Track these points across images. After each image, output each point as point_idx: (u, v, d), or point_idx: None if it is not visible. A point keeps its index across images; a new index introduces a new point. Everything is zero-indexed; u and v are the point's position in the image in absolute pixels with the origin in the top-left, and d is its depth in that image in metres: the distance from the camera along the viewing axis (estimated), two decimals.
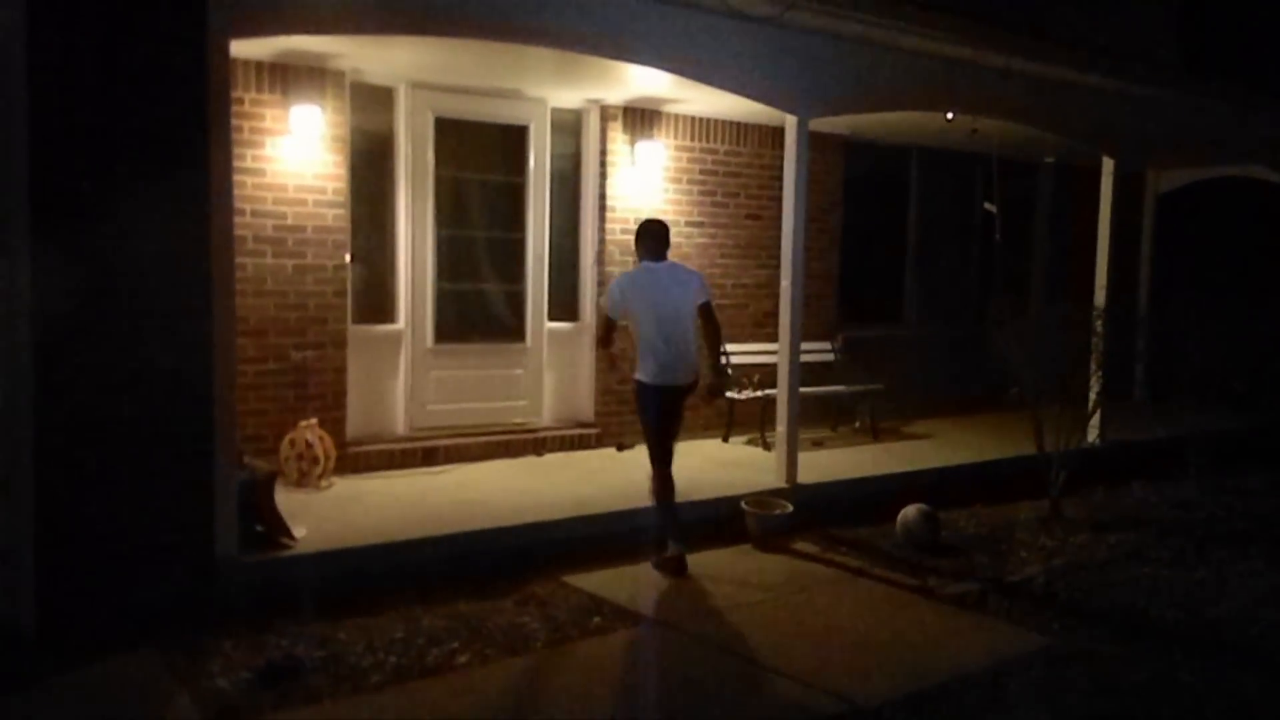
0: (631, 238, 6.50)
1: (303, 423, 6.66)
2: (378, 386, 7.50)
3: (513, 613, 5.13)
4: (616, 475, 7.07)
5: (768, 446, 8.04)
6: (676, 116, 8.53)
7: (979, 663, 4.70)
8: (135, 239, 4.74)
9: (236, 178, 5.54)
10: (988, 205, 10.21)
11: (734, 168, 8.95)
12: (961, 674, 4.56)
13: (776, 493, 6.82)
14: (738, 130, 8.90)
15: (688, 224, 8.67)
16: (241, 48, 5.54)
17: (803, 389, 7.32)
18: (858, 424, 9.18)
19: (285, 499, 5.66)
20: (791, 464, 7.13)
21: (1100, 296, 8.87)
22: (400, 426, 7.62)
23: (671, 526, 5.91)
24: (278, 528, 5.36)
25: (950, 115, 8.26)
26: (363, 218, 7.36)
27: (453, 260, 7.80)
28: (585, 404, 8.30)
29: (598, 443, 8.11)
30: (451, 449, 7.54)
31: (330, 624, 4.84)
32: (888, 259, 10.53)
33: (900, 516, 6.56)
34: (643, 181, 8.38)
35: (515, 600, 5.29)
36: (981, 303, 10.79)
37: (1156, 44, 11.02)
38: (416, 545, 5.58)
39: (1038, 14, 9.21)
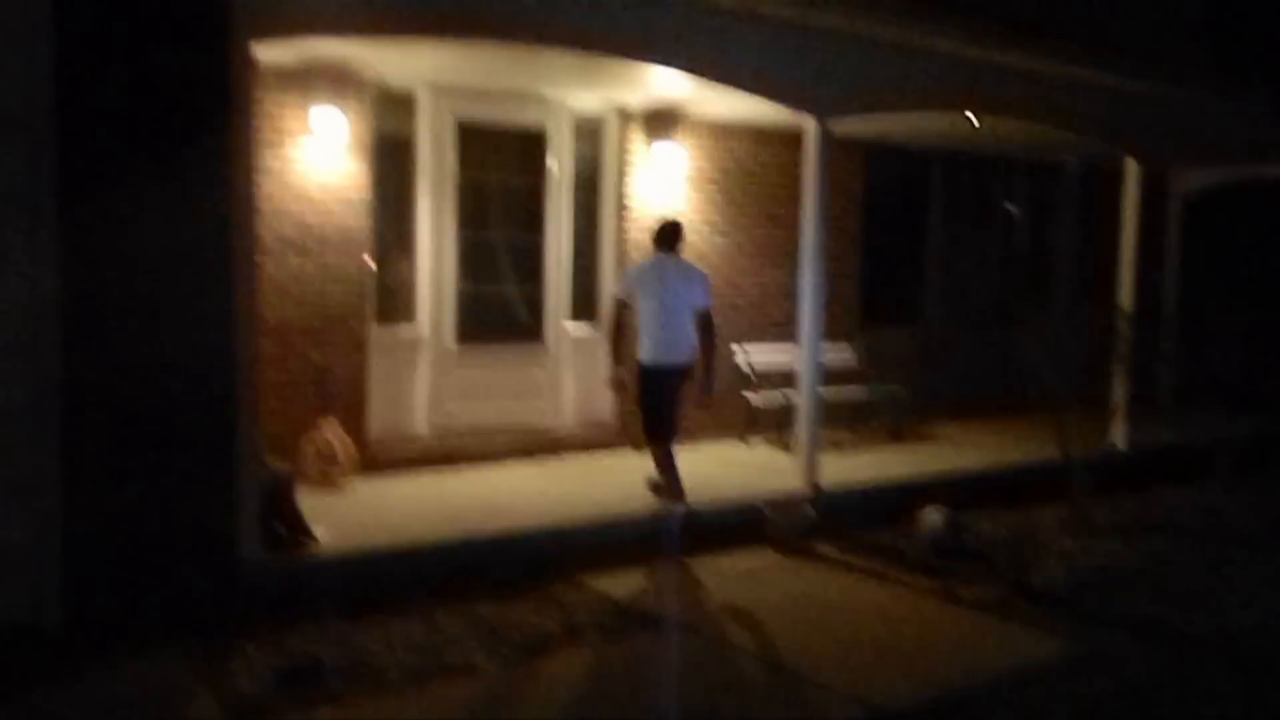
0: (651, 240, 6.63)
1: (323, 423, 6.69)
2: (398, 387, 7.53)
3: (532, 614, 5.13)
4: (635, 477, 7.05)
5: (788, 449, 8.01)
6: (696, 119, 8.52)
7: (1002, 668, 4.66)
8: (158, 240, 4.78)
9: (258, 180, 5.57)
10: (1010, 207, 10.14)
11: (753, 170, 8.93)
12: (985, 680, 4.52)
13: (797, 495, 6.80)
14: (757, 133, 8.88)
15: (707, 226, 8.66)
16: (265, 52, 5.57)
17: (823, 391, 7.29)
18: (878, 426, 9.14)
19: (306, 500, 5.69)
20: (812, 466, 7.10)
21: (1124, 299, 8.80)
22: (420, 427, 7.64)
23: (673, 484, 6.34)
24: (298, 528, 5.38)
25: (972, 116, 8.20)
26: (384, 220, 7.39)
27: (473, 262, 7.82)
28: (604, 405, 8.30)
29: (617, 444, 8.11)
30: (471, 450, 7.56)
31: (350, 624, 4.86)
32: (908, 260, 10.47)
33: (921, 519, 6.51)
34: (662, 184, 8.38)
35: (534, 602, 5.29)
36: (1003, 305, 10.73)
37: (1183, 44, 10.93)
38: (436, 546, 5.59)
39: (1062, 15, 9.15)
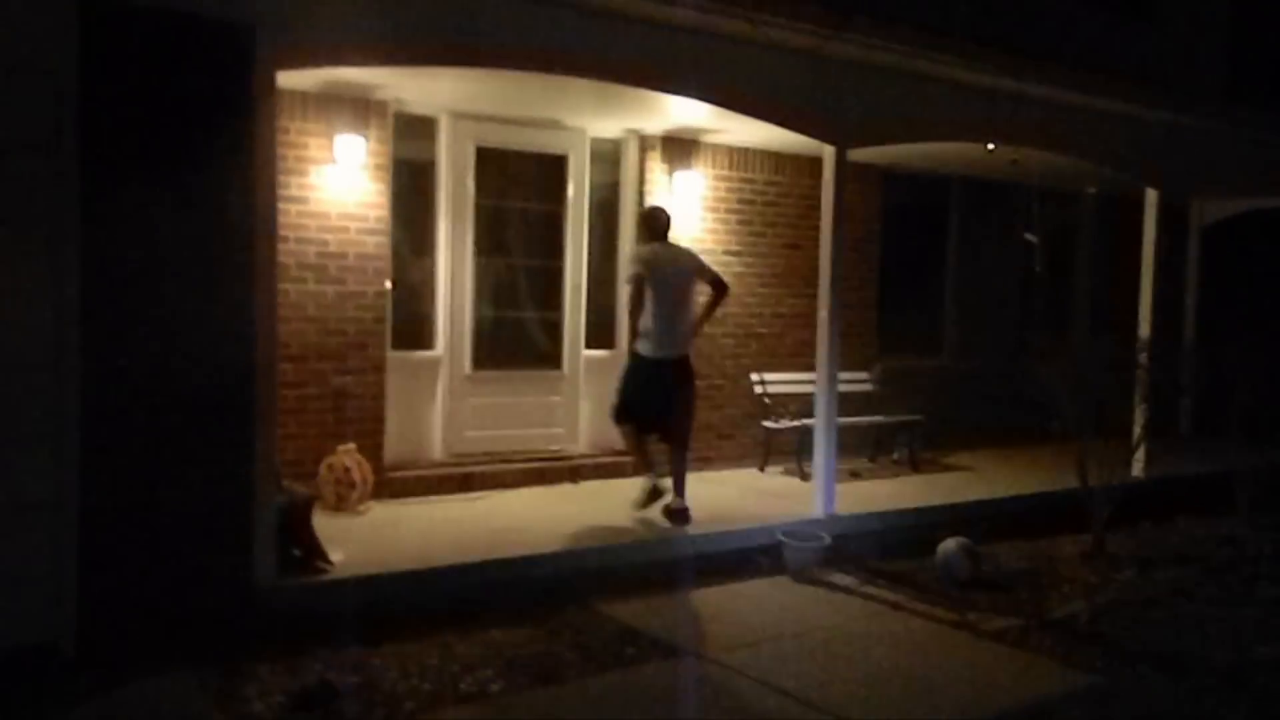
0: (644, 230, 6.82)
1: (341, 447, 6.71)
2: (416, 412, 7.55)
3: (546, 641, 5.11)
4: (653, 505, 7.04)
5: (805, 477, 7.97)
6: (715, 146, 8.56)
7: (1022, 701, 4.61)
8: (179, 262, 4.82)
9: (281, 205, 5.63)
10: (1028, 236, 10.13)
11: (772, 197, 8.95)
12: (1004, 712, 4.47)
13: (814, 523, 6.76)
14: (776, 160, 8.91)
15: (726, 253, 8.67)
16: (288, 79, 5.64)
17: (841, 419, 7.27)
18: (896, 455, 9.08)
19: (323, 523, 5.70)
20: (829, 495, 7.06)
21: (1144, 329, 8.75)
22: (437, 452, 7.65)
23: (644, 462, 6.89)
24: (315, 552, 5.39)
25: (991, 146, 8.21)
26: (403, 245, 7.44)
27: (491, 288, 7.86)
28: None
29: (633, 471, 8.08)
30: (488, 475, 7.56)
31: (365, 649, 4.85)
32: (927, 289, 10.47)
33: (940, 550, 6.46)
34: (681, 211, 8.39)
35: (549, 628, 5.28)
36: (1022, 334, 10.68)
37: (1202, 73, 10.93)
38: (452, 571, 5.58)
39: (1079, 44, 9.18)
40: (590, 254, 8.18)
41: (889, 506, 7.41)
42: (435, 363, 7.64)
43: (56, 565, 4.63)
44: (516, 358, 8.00)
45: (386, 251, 7.14)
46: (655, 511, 6.77)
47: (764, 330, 8.94)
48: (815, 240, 7.30)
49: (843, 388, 7.41)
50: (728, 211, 8.71)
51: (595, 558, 6.02)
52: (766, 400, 8.50)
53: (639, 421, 6.82)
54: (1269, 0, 11.96)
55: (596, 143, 8.17)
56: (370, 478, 6.78)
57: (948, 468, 9.05)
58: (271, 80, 5.05)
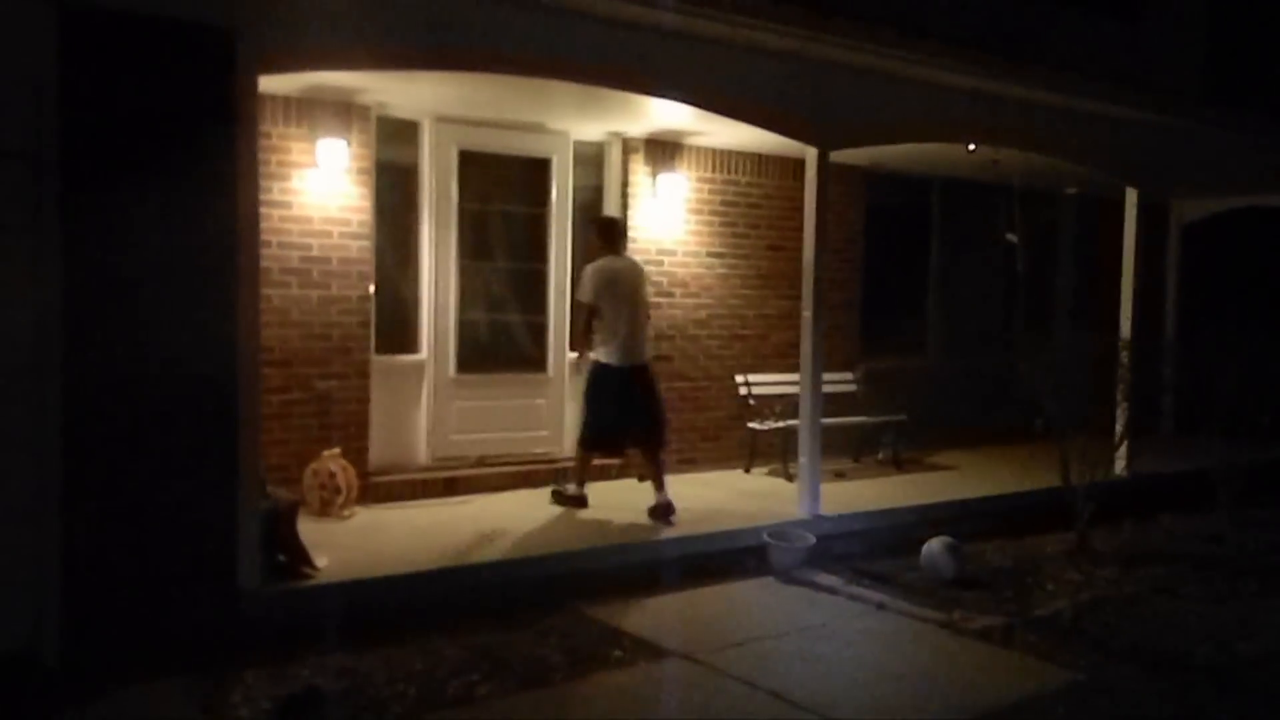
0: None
1: (325, 452, 6.69)
2: (400, 416, 7.53)
3: (533, 644, 5.11)
4: (637, 506, 7.05)
5: (790, 477, 8.00)
6: (698, 148, 8.58)
7: (1006, 699, 4.64)
8: (161, 267, 4.80)
9: (264, 210, 5.62)
10: (1010, 236, 10.18)
11: (755, 199, 8.97)
12: (989, 711, 4.50)
13: (799, 524, 6.78)
14: (759, 162, 8.94)
15: (709, 255, 8.69)
16: (270, 83, 5.62)
17: (825, 420, 7.29)
18: (880, 455, 9.12)
19: (308, 529, 5.68)
20: (814, 495, 7.09)
21: (1125, 327, 8.81)
22: (422, 456, 7.64)
23: (582, 474, 7.11)
24: (300, 557, 5.37)
25: (972, 147, 8.26)
26: (387, 249, 7.43)
27: (475, 291, 7.85)
28: None
29: (619, 474, 8.09)
30: (473, 479, 7.55)
31: (352, 654, 4.84)
32: (910, 289, 10.51)
33: (924, 549, 6.50)
34: (665, 213, 8.42)
35: (536, 631, 5.28)
36: (1005, 333, 10.74)
37: (1182, 73, 11.01)
38: (438, 576, 5.58)
39: (1058, 45, 9.23)
40: (574, 257, 8.17)
41: (874, 506, 7.44)
42: (420, 366, 7.63)
43: (39, 573, 4.60)
44: (501, 361, 8.00)
45: (370, 256, 7.13)
46: (637, 515, 6.80)
47: (748, 332, 8.95)
48: (798, 241, 7.32)
49: (827, 388, 7.43)
50: (711, 213, 8.73)
51: (581, 560, 6.03)
52: (751, 402, 8.51)
53: (613, 444, 7.07)
54: (1247, 1, 12.08)
55: (579, 146, 8.17)
56: (355, 483, 6.76)
57: (932, 467, 9.09)
58: (253, 85, 5.03)
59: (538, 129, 7.92)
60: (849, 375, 9.19)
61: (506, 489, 7.61)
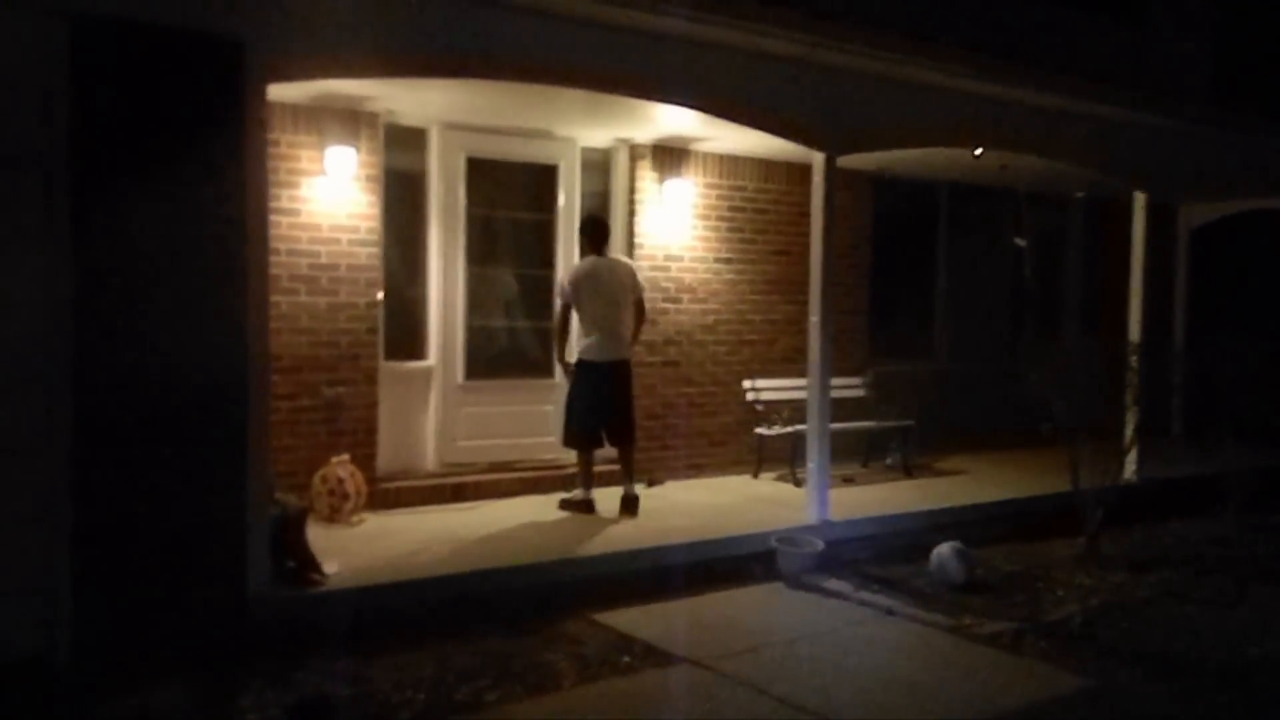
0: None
1: (334, 459, 6.71)
2: (408, 423, 7.55)
3: (542, 650, 5.11)
4: (645, 511, 7.05)
5: (798, 483, 7.99)
6: (705, 154, 8.58)
7: (1016, 705, 4.62)
8: (170, 274, 4.82)
9: (273, 218, 5.64)
10: (1018, 240, 10.17)
11: (762, 204, 8.98)
12: (998, 716, 4.49)
13: (807, 529, 6.77)
14: (766, 167, 8.94)
15: (717, 260, 8.70)
16: (279, 91, 5.65)
17: (833, 425, 7.28)
18: (889, 460, 9.10)
19: (316, 535, 5.69)
20: (822, 500, 7.07)
21: (1134, 331, 8.79)
22: (430, 463, 7.65)
23: (585, 477, 7.16)
24: (309, 563, 5.39)
25: (978, 151, 8.26)
26: (395, 256, 7.45)
27: (483, 297, 7.87)
28: None
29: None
30: (481, 485, 7.56)
31: (360, 660, 4.85)
32: (918, 294, 10.50)
33: (933, 554, 6.48)
34: (671, 219, 8.43)
35: (544, 638, 5.28)
36: (1013, 337, 10.72)
37: (1190, 76, 10.99)
38: (446, 582, 5.58)
39: (1066, 50, 9.23)
40: None
41: (882, 511, 7.42)
42: (428, 373, 7.65)
43: (49, 578, 4.62)
44: (509, 367, 8.01)
45: (378, 263, 7.15)
46: (644, 519, 6.79)
47: (756, 337, 8.95)
48: (806, 246, 7.32)
49: (835, 393, 7.42)
50: (718, 219, 8.74)
51: (589, 566, 6.02)
52: (759, 407, 8.51)
53: (589, 436, 7.13)
54: (1256, 3, 12.06)
55: (587, 152, 8.19)
56: (363, 489, 6.77)
57: (940, 472, 9.07)
58: (262, 93, 5.06)
59: (545, 135, 7.94)
60: (857, 380, 9.18)
61: (515, 495, 7.62)
